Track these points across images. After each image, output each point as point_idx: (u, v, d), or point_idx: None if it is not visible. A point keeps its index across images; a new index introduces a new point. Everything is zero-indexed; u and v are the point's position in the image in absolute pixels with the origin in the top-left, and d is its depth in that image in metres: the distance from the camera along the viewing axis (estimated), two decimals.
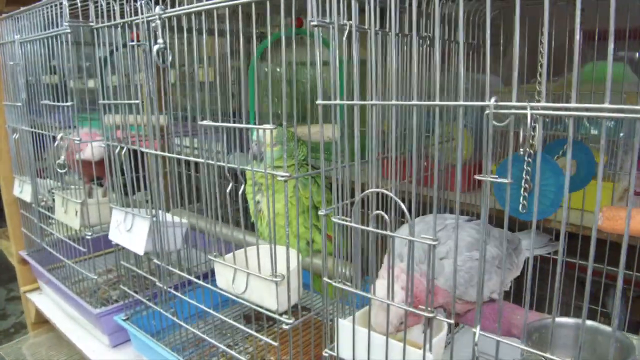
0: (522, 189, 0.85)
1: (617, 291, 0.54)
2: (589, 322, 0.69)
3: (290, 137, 1.04)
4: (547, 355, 0.57)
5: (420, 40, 0.96)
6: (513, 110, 0.58)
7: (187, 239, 1.27)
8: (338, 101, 0.71)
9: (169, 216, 1.17)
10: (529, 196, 0.85)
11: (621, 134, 1.30)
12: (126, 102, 1.11)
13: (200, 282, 1.06)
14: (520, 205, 0.86)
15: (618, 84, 1.21)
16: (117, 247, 1.30)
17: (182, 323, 1.14)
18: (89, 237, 1.33)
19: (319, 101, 0.73)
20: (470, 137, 1.48)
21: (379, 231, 0.69)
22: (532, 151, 0.83)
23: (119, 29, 1.10)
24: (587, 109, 0.54)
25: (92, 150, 1.34)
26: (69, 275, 1.58)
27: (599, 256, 1.07)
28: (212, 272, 1.11)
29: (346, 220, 0.74)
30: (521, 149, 0.56)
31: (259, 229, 1.11)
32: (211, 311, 1.04)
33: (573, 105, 0.54)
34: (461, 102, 0.61)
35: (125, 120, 1.12)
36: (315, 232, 1.08)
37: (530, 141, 0.68)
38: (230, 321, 1.02)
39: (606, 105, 0.51)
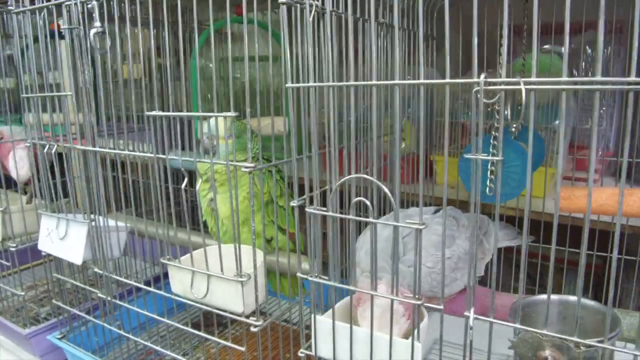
0: (489, 171, 0.85)
1: (612, 270, 0.54)
2: (573, 298, 0.70)
3: (243, 129, 0.98)
4: (545, 332, 0.56)
5: (379, 27, 0.94)
6: (503, 87, 0.56)
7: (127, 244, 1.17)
8: (312, 83, 0.66)
9: (108, 220, 1.07)
10: (495, 178, 0.85)
11: (556, 122, 1.36)
12: (56, 94, 0.99)
13: (151, 288, 0.97)
14: (487, 188, 0.85)
15: (549, 74, 1.26)
16: (47, 258, 1.17)
17: (130, 336, 1.04)
18: (13, 249, 1.19)
19: (289, 84, 0.68)
20: (413, 127, 1.49)
21: (363, 219, 0.65)
22: (495, 133, 0.83)
23: (44, 13, 0.98)
24: (576, 82, 0.54)
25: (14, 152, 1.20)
26: None
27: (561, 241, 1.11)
28: (155, 278, 1.03)
29: (323, 210, 0.69)
30: (514, 126, 0.54)
31: (212, 228, 1.04)
32: (164, 319, 0.96)
33: (564, 79, 0.53)
34: (448, 80, 0.58)
35: (57, 116, 1.01)
36: (274, 228, 1.02)
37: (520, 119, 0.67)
38: (186, 328, 0.94)
39: (598, 78, 0.51)
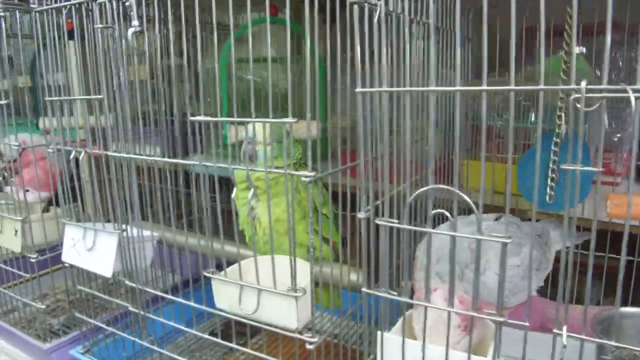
0: (549, 178, 0.82)
1: None
2: None
3: (284, 134, 0.94)
4: None
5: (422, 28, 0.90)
6: (605, 94, 0.53)
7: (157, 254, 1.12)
8: (386, 88, 0.62)
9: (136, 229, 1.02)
10: (557, 186, 0.82)
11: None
12: (85, 97, 0.94)
13: (179, 299, 0.92)
14: (547, 196, 0.82)
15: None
16: (70, 268, 1.11)
17: (160, 350, 0.99)
18: (33, 260, 1.13)
19: (359, 89, 0.64)
20: (438, 132, 1.45)
21: (440, 232, 0.61)
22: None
23: (70, 10, 0.93)
24: None
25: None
26: None
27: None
28: (175, 288, 0.98)
29: (394, 223, 0.65)
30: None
31: (250, 238, 0.99)
32: (192, 330, 0.92)
33: None
34: (542, 87, 0.55)
35: (85, 120, 0.95)
36: (316, 238, 0.97)
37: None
38: (231, 344, 0.89)
39: None
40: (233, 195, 0.84)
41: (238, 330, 0.93)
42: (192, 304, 0.92)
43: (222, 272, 0.84)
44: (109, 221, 1.01)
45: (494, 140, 1.52)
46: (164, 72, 0.90)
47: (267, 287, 0.78)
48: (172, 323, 0.96)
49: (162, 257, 1.24)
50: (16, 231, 1.12)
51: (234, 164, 0.79)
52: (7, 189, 1.26)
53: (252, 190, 0.92)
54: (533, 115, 1.30)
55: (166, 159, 0.86)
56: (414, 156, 0.87)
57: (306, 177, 0.71)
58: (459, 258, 0.73)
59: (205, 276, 0.85)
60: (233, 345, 0.87)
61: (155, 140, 1.09)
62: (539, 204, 0.84)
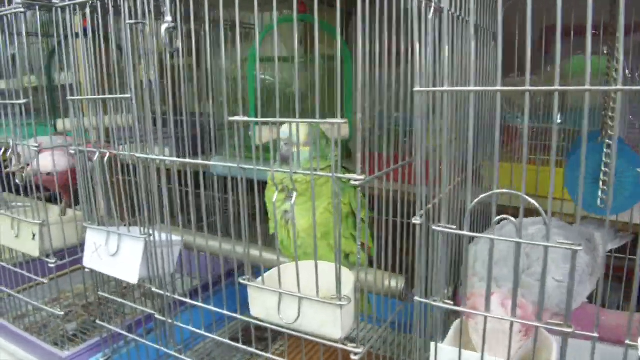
0: (601, 182, 0.79)
1: None
2: None
3: (320, 135, 0.90)
4: None
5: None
6: None
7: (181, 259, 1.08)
8: (447, 88, 0.58)
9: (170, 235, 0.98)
10: (608, 189, 0.79)
11: None
12: (111, 97, 0.90)
13: (201, 304, 0.89)
14: (599, 200, 0.79)
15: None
16: (89, 272, 1.07)
17: (182, 357, 0.95)
18: (52, 266, 1.09)
19: (417, 88, 0.61)
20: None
21: (511, 239, 0.58)
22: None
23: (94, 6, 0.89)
24: None
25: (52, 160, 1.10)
26: (9, 309, 1.31)
27: None
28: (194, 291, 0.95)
29: (451, 229, 0.62)
30: None
31: (285, 243, 0.95)
32: (214, 336, 0.89)
33: None
34: (588, 88, 0.51)
35: (112, 120, 0.92)
36: (353, 243, 0.94)
37: None
38: (262, 353, 0.86)
39: None
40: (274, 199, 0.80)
41: (258, 335, 0.90)
42: (215, 309, 0.89)
43: (259, 279, 0.81)
44: (126, 225, 0.98)
45: (517, 142, 1.49)
46: (182, 71, 0.87)
47: (309, 295, 0.75)
48: (200, 331, 0.93)
49: (181, 261, 1.20)
50: (34, 235, 1.08)
51: (261, 165, 0.76)
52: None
53: (288, 193, 0.89)
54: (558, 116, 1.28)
55: (200, 161, 0.82)
56: (453, 158, 0.84)
57: (356, 180, 0.67)
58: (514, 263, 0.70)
59: (240, 282, 0.81)
60: (254, 350, 0.84)
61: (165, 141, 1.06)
62: (589, 208, 0.81)
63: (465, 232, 0.60)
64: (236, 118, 0.75)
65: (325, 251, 0.92)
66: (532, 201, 0.57)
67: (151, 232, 0.93)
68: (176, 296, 0.93)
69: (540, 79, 1.38)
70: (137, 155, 0.89)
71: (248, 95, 1.10)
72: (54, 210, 1.22)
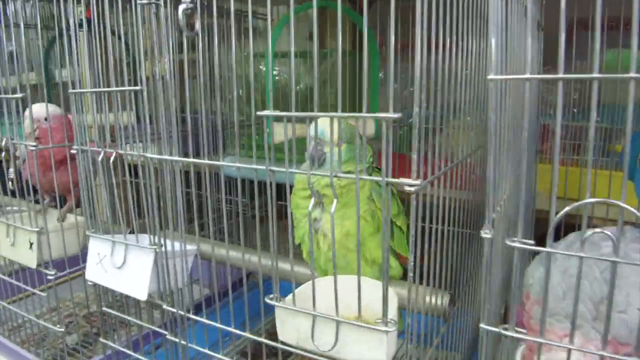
0: None
1: None
2: None
3: (354, 133, 0.80)
4: None
5: None
6: None
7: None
8: (529, 75, 0.48)
9: (174, 243, 0.87)
10: None
11: None
12: (120, 89, 0.80)
13: (219, 324, 0.79)
14: None
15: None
16: (94, 286, 0.96)
17: None
18: (52, 277, 0.98)
19: (492, 76, 0.50)
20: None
21: (609, 259, 0.47)
22: None
23: None
24: None
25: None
26: (4, 321, 1.21)
27: None
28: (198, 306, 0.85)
29: (530, 244, 0.51)
30: None
31: (315, 255, 0.84)
32: (220, 356, 0.78)
33: None
34: (633, 75, 0.41)
35: (117, 117, 0.81)
36: (390, 255, 0.83)
37: None
38: None
39: None
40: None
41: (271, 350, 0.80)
42: (233, 330, 0.78)
43: (288, 298, 0.70)
44: (132, 232, 0.87)
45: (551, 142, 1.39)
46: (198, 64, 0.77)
47: (350, 320, 0.64)
48: (215, 354, 0.82)
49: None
50: (31, 244, 0.97)
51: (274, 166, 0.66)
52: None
53: (318, 198, 0.79)
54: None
55: (227, 163, 0.72)
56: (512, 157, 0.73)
57: (411, 185, 0.57)
58: (591, 292, 0.59)
59: (267, 302, 0.70)
60: None
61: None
62: None
63: (551, 250, 0.50)
64: (265, 112, 0.64)
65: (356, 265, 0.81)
66: (633, 210, 0.46)
67: (162, 241, 0.83)
68: (190, 315, 0.83)
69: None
70: (149, 155, 0.78)
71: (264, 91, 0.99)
72: (53, 215, 1.11)
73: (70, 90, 0.87)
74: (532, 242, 0.52)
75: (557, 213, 0.49)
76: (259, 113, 0.64)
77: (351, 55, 1.58)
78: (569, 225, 0.67)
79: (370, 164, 0.82)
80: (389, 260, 0.83)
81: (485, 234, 0.53)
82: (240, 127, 1.64)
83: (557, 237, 0.56)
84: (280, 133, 0.82)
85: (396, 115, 0.56)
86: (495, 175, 0.53)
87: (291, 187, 0.83)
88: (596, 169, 1.28)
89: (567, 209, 0.49)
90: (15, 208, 1.07)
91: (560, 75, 0.45)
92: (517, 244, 0.52)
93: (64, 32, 0.86)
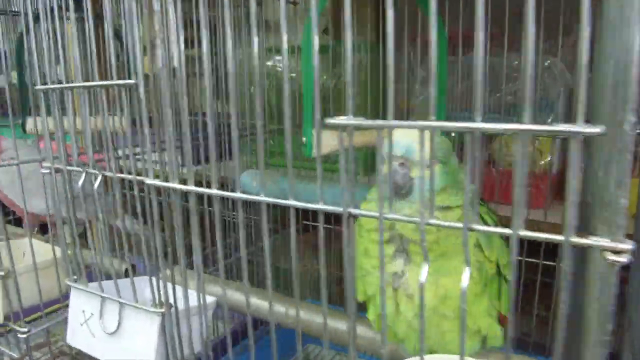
0: None
1: None
2: None
3: (450, 150, 0.54)
4: None
5: None
6: None
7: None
8: None
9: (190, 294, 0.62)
10: None
11: None
12: (112, 83, 0.54)
13: None
14: None
15: None
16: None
17: None
18: (23, 337, 0.73)
19: None
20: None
21: None
22: None
23: None
24: None
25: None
26: None
27: None
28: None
29: None
30: None
31: (391, 321, 0.57)
32: None
33: None
34: None
35: (107, 122, 0.56)
36: (492, 320, 0.57)
37: None
38: None
39: None
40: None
41: None
42: None
43: None
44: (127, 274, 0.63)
45: None
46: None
47: None
48: None
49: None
50: None
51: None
52: None
53: (402, 244, 0.54)
54: None
55: (259, 198, 0.47)
56: None
57: (618, 252, 0.31)
58: None
59: None
60: None
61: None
62: None
63: None
64: (339, 120, 0.39)
65: (457, 337, 0.56)
66: None
67: (171, 295, 0.58)
68: None
69: None
70: (150, 182, 0.53)
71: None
72: (23, 249, 0.86)
73: (39, 87, 0.62)
74: None
75: None
76: (331, 121, 0.39)
77: (373, 49, 1.30)
78: None
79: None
80: (492, 326, 0.58)
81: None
82: (274, 136, 1.39)
83: None
84: (330, 143, 0.57)
85: (600, 130, 0.31)
86: None
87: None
88: None
89: None
90: None
91: None
92: None
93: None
